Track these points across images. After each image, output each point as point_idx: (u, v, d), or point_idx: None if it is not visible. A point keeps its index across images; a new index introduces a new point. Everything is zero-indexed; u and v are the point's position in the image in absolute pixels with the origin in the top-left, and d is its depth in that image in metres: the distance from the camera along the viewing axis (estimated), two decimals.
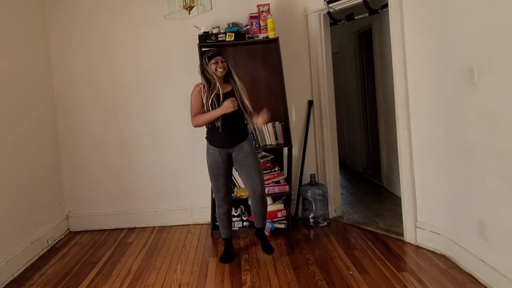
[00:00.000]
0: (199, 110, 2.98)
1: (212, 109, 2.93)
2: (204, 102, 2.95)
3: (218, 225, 3.74)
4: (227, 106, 2.88)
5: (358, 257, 3.03)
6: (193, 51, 3.80)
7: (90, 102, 4.02)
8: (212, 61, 2.93)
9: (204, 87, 2.98)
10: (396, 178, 4.29)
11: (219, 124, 2.95)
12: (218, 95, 2.95)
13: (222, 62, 2.95)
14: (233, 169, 3.25)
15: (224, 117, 2.94)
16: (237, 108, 2.91)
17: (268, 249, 3.19)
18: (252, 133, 3.61)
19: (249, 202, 3.69)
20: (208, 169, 3.09)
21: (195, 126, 3.02)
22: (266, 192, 3.39)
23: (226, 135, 2.99)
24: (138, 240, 3.70)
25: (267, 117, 2.92)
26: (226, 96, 2.96)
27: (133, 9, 3.96)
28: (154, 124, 4.03)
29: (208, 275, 2.93)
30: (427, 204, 3.13)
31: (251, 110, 3.03)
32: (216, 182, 3.08)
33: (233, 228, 3.60)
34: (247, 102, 3.01)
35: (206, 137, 3.11)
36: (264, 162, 3.66)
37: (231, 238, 3.27)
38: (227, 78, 3.03)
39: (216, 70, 2.93)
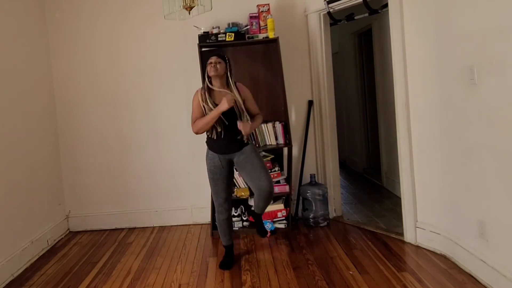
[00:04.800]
0: (199, 115, 2.85)
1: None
2: (202, 106, 2.84)
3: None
4: (222, 103, 2.72)
5: (358, 257, 3.03)
6: (193, 51, 3.80)
7: (90, 102, 4.02)
8: (208, 61, 2.83)
9: (203, 91, 2.86)
10: (396, 178, 4.29)
11: (220, 129, 2.83)
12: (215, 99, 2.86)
13: (216, 63, 2.80)
14: (234, 171, 3.21)
15: (224, 124, 2.84)
16: (232, 104, 2.75)
17: (262, 232, 3.21)
18: (252, 133, 3.59)
19: (250, 202, 3.70)
20: (208, 174, 2.99)
21: (195, 133, 2.87)
22: None
23: (227, 143, 2.89)
24: (138, 240, 3.70)
25: (244, 126, 2.81)
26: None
27: (133, 9, 3.96)
28: (154, 124, 4.03)
29: (208, 275, 2.93)
30: (427, 204, 3.13)
31: (247, 118, 2.89)
32: (215, 187, 2.99)
33: (233, 228, 3.58)
34: (250, 108, 2.94)
35: (206, 142, 2.99)
36: (264, 162, 3.64)
37: (232, 245, 3.15)
38: (227, 83, 2.89)
39: (209, 70, 2.81)
